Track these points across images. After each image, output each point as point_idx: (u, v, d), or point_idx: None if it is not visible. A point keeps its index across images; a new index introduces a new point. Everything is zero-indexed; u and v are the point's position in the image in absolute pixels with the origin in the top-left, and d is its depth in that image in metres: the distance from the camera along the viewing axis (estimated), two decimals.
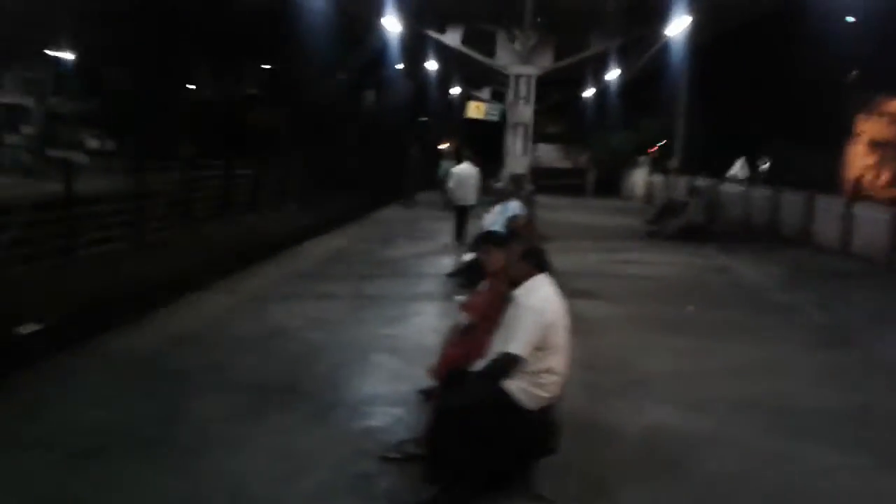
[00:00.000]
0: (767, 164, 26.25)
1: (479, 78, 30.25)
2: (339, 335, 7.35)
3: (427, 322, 7.95)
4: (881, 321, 8.84)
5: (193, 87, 22.59)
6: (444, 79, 31.39)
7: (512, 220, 8.69)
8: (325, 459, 4.51)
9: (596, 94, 30.84)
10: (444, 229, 16.12)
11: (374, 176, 20.89)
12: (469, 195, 13.81)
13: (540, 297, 4.12)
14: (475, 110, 29.94)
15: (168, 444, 4.65)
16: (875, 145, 30.05)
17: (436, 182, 21.25)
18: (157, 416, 5.09)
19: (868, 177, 29.35)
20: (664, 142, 25.30)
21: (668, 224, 17.06)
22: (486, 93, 32.37)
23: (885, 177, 28.79)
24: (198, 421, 5.05)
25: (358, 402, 5.51)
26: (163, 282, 8.58)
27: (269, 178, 13.23)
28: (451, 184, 14.21)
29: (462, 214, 13.75)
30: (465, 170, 14.08)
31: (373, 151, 21.17)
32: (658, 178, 26.82)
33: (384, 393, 5.70)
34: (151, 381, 5.89)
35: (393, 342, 7.13)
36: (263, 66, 17.81)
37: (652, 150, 28.30)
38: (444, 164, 19.88)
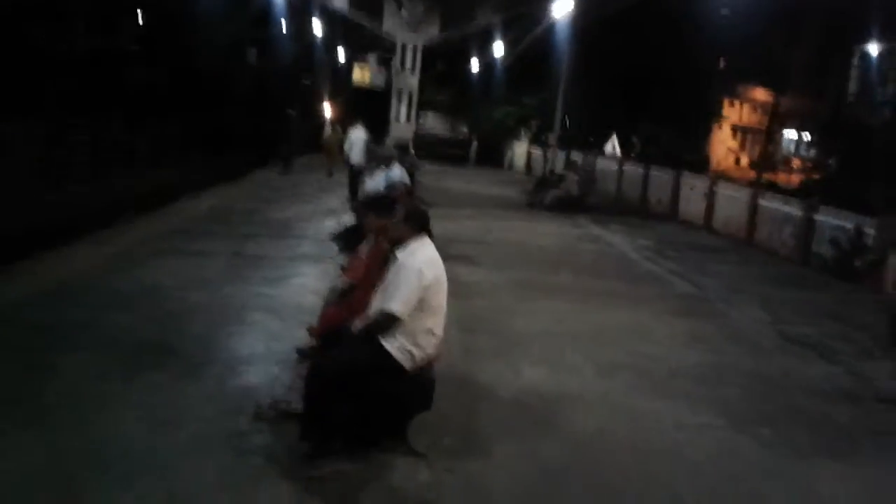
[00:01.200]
0: (637, 143, 27.40)
1: (366, 44, 29.89)
2: (217, 294, 7.14)
3: (306, 283, 7.86)
4: (737, 291, 9.47)
5: (62, 39, 21.01)
6: (331, 43, 30.79)
7: (390, 188, 8.66)
8: (198, 416, 4.40)
9: (482, 68, 31.14)
10: (328, 191, 15.95)
11: (258, 137, 20.13)
12: (357, 157, 14.59)
13: (421, 259, 4.14)
14: (361, 76, 29.60)
15: (32, 402, 4.40)
16: (738, 130, 31.84)
17: (319, 145, 20.78)
18: (19, 372, 4.81)
19: (731, 158, 31.19)
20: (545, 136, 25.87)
21: (546, 195, 17.54)
22: (372, 59, 32.04)
23: (745, 159, 30.65)
24: (64, 378, 4.81)
25: (234, 360, 5.39)
26: (26, 234, 8.06)
27: (145, 134, 12.57)
28: (345, 146, 15.32)
29: (353, 175, 14.33)
30: (356, 133, 15.24)
31: (256, 112, 20.33)
32: (538, 152, 27.48)
33: (261, 352, 5.59)
34: (15, 334, 5.56)
35: (271, 302, 7.00)
36: (140, 21, 16.77)
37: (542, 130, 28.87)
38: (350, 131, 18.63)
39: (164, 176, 12.90)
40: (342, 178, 17.32)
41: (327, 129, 21.13)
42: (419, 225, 4.31)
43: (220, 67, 17.44)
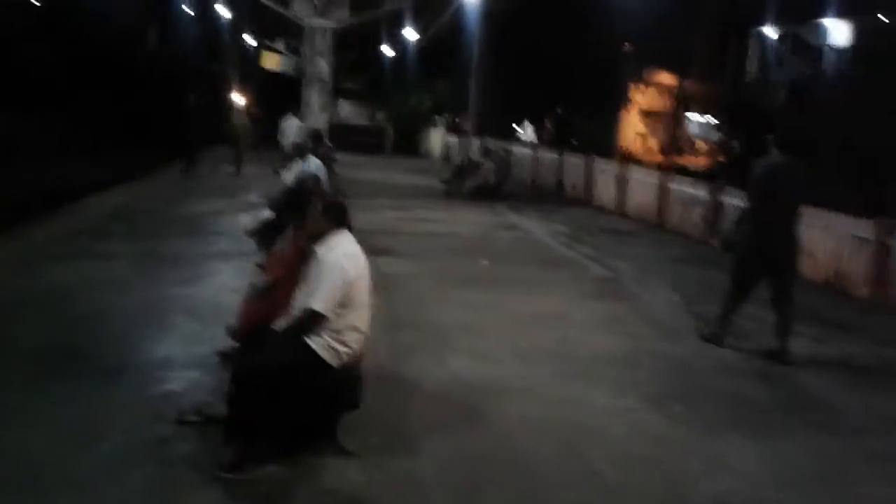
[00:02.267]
0: (549, 128, 27.83)
1: (275, 28, 29.26)
2: (129, 296, 6.91)
3: (224, 282, 7.70)
4: (650, 273, 9.78)
5: None
6: (237, 26, 30.00)
7: (300, 181, 8.49)
8: (116, 426, 4.26)
9: (395, 54, 30.97)
10: (240, 184, 15.61)
11: (161, 127, 19.16)
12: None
13: (341, 253, 4.11)
14: (270, 61, 28.95)
15: None
16: (645, 114, 32.77)
17: (225, 136, 19.52)
18: None
19: (640, 143, 32.02)
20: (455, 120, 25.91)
21: (463, 183, 17.64)
22: (281, 44, 31.40)
23: (654, 143, 31.58)
24: None
25: (152, 365, 5.24)
26: None
27: (39, 123, 11.78)
28: (278, 136, 17.06)
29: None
30: (289, 121, 17.22)
31: (159, 98, 19.32)
32: (454, 139, 27.58)
33: (180, 355, 5.46)
34: None
35: (188, 303, 6.83)
36: None
37: (458, 117, 28.91)
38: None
39: (62, 172, 12.20)
40: (256, 172, 16.98)
41: (237, 117, 19.60)
42: (337, 218, 4.26)
43: (116, 48, 16.58)
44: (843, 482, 4.39)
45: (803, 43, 25.54)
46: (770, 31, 26.08)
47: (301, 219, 4.54)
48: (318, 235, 4.19)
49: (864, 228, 9.37)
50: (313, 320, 3.97)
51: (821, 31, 23.85)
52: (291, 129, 16.79)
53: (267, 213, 9.27)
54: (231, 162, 18.28)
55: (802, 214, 6.62)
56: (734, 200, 12.15)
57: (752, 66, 28.33)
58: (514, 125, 25.43)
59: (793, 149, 6.52)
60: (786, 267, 6.53)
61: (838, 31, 23.05)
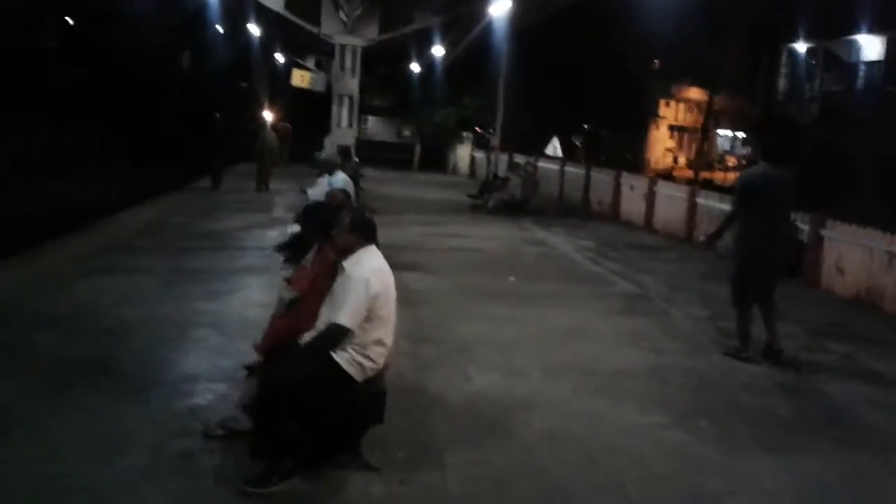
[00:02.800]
0: (580, 143, 27.79)
1: (305, 46, 29.64)
2: (156, 311, 7.00)
3: (251, 296, 7.77)
4: (677, 289, 9.70)
5: None
6: (268, 45, 30.43)
7: (330, 195, 8.58)
8: (142, 440, 4.30)
9: (422, 70, 31.18)
10: (267, 200, 15.78)
11: (192, 144, 19.42)
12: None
13: (368, 268, 4.13)
14: (300, 79, 29.30)
15: None
16: (674, 129, 32.55)
17: (252, 153, 19.24)
18: None
19: (668, 158, 31.87)
20: (490, 130, 25.99)
21: (489, 199, 17.67)
22: (311, 62, 31.78)
23: (682, 158, 31.37)
24: None
25: (178, 379, 5.30)
26: None
27: (70, 141, 11.99)
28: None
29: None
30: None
31: (189, 119, 19.61)
32: (481, 155, 27.65)
33: (206, 370, 5.51)
34: None
35: (215, 317, 6.90)
36: (66, 18, 15.94)
37: (479, 128, 29.05)
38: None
39: (91, 189, 12.37)
40: (283, 189, 17.13)
41: (264, 135, 19.18)
42: (365, 234, 4.28)
43: (151, 71, 16.94)
44: (869, 499, 4.31)
45: (835, 58, 25.28)
46: (801, 47, 25.83)
47: (328, 234, 4.58)
48: (346, 251, 4.22)
49: None
50: (339, 335, 3.99)
51: (853, 47, 23.60)
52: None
53: (294, 228, 9.38)
54: (257, 179, 18.35)
55: (790, 219, 6.91)
56: None
57: (783, 82, 28.07)
58: (526, 139, 25.36)
59: (776, 158, 6.88)
60: (775, 270, 6.83)
61: (870, 47, 22.78)
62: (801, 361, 6.82)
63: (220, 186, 17.56)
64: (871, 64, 22.85)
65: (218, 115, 17.93)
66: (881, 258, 9.39)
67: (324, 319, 4.11)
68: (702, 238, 7.83)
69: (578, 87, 27.27)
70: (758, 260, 6.64)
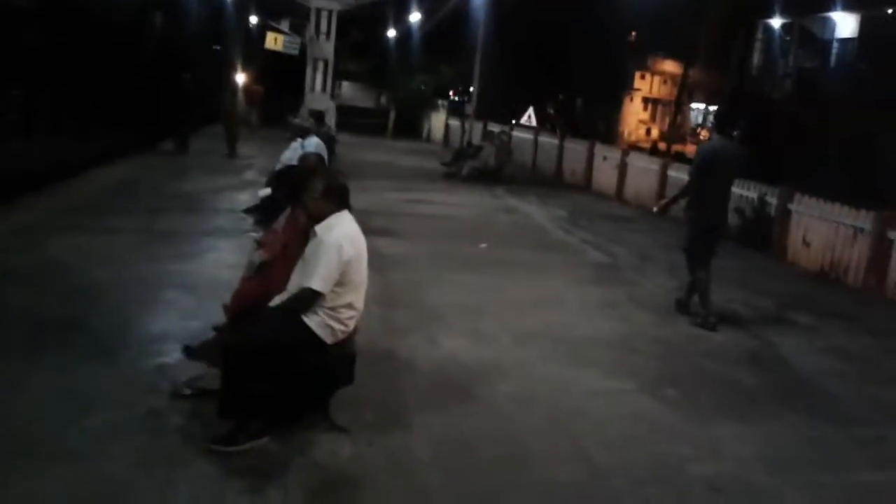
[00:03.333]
0: (553, 114, 27.76)
1: (280, 9, 29.12)
2: (126, 271, 6.92)
3: (222, 258, 7.72)
4: (648, 260, 9.80)
5: None
6: (241, 7, 29.84)
7: (303, 158, 8.50)
8: (111, 398, 4.28)
9: (399, 36, 30.86)
10: (240, 164, 15.61)
11: (167, 106, 18.88)
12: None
13: (341, 233, 4.10)
14: (274, 42, 28.80)
15: None
16: (648, 101, 32.62)
17: (221, 117, 18.70)
18: None
19: (641, 130, 31.98)
20: (465, 98, 25.82)
21: (463, 166, 17.64)
22: (285, 25, 31.26)
23: (655, 130, 31.50)
24: None
25: (147, 339, 5.26)
26: None
27: (41, 101, 11.72)
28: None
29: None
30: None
31: (162, 79, 19.15)
32: (455, 122, 27.53)
33: (176, 330, 5.47)
34: None
35: (185, 278, 6.85)
36: None
37: (454, 93, 28.87)
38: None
39: (63, 148, 12.11)
40: (254, 152, 16.92)
41: (230, 98, 18.69)
42: (338, 199, 4.26)
43: (124, 33, 16.50)
44: (833, 468, 4.42)
45: (809, 35, 25.39)
46: (776, 23, 25.90)
47: (300, 197, 4.54)
48: (319, 216, 4.18)
49: (862, 219, 9.38)
50: (311, 299, 3.99)
51: (827, 24, 23.71)
52: (331, 111, 17.67)
53: (265, 191, 9.30)
54: (226, 142, 17.62)
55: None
56: (733, 188, 12.15)
57: (757, 58, 28.17)
58: (502, 108, 25.25)
59: (726, 131, 7.30)
60: (721, 235, 7.20)
61: (844, 24, 22.91)
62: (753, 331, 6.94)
63: (188, 150, 16.98)
64: (844, 41, 22.99)
65: (188, 75, 17.36)
66: (846, 232, 9.56)
67: (295, 283, 4.09)
68: (655, 209, 8.18)
69: (555, 57, 27.17)
70: (707, 227, 7.00)
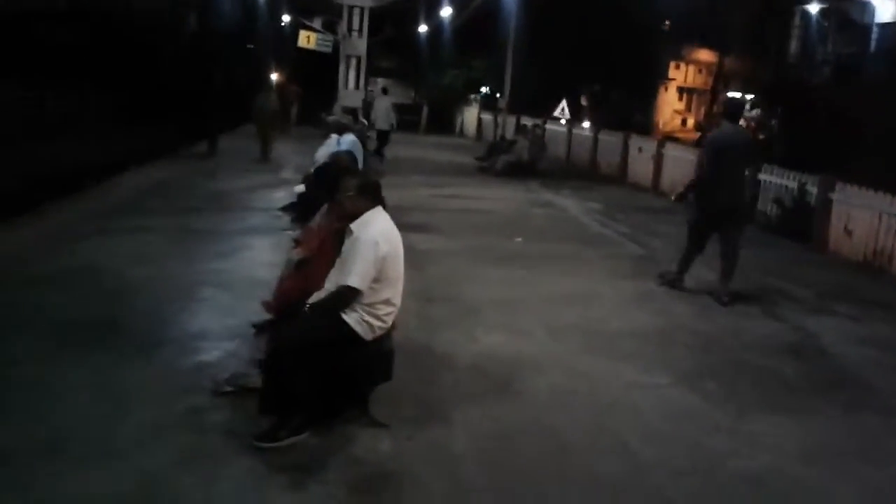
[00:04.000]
0: (587, 106, 27.52)
1: (312, 7, 29.30)
2: (164, 271, 7.02)
3: (259, 256, 7.79)
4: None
5: None
6: (275, 5, 30.11)
7: (336, 156, 8.55)
8: (152, 397, 4.36)
9: (430, 31, 30.85)
10: (276, 163, 15.72)
11: (198, 107, 18.71)
12: (382, 121, 18.47)
13: (376, 230, 4.14)
14: (306, 40, 28.99)
15: None
16: (684, 91, 32.18)
17: (253, 117, 17.55)
18: None
19: (677, 120, 31.59)
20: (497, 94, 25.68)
21: (497, 161, 17.58)
22: (318, 23, 31.43)
23: (691, 120, 31.07)
24: (1, 362, 4.67)
25: (187, 337, 5.34)
26: None
27: (72, 101, 11.83)
28: (371, 115, 19.16)
29: (381, 137, 18.31)
30: (381, 99, 19.31)
31: (196, 80, 19.14)
32: (488, 117, 27.45)
33: (215, 328, 5.55)
34: None
35: (223, 277, 6.93)
36: None
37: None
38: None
39: (97, 150, 12.21)
40: (286, 155, 16.88)
41: (264, 98, 17.31)
42: (372, 196, 4.30)
43: (157, 32, 16.62)
44: (874, 459, 4.33)
45: (848, 20, 24.84)
46: (813, 8, 25.39)
47: (335, 195, 4.58)
48: (354, 214, 4.23)
49: None
50: (349, 296, 4.02)
51: (866, 9, 23.17)
52: (381, 109, 18.59)
53: (301, 189, 9.38)
54: (261, 148, 16.54)
55: (750, 175, 7.56)
56: (772, 178, 11.97)
57: (794, 44, 27.63)
58: (535, 101, 25.06)
59: (736, 118, 7.77)
60: (735, 222, 7.38)
61: (884, 8, 22.36)
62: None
63: (216, 152, 16.41)
64: (884, 26, 22.45)
65: (217, 75, 16.69)
66: (889, 221, 9.35)
67: (333, 281, 4.13)
68: (672, 197, 8.67)
69: (588, 48, 26.93)
70: (714, 208, 7.30)
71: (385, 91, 20.26)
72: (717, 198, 7.23)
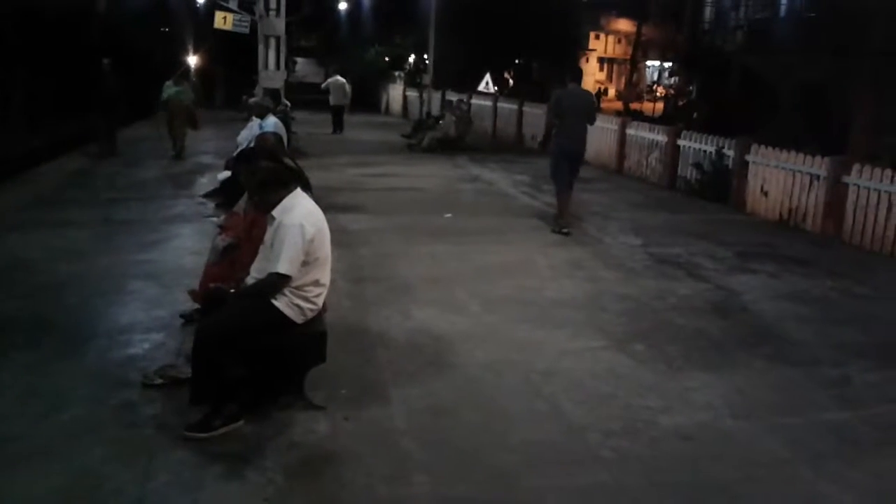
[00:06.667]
0: (510, 79, 27.62)
1: None
2: (89, 264, 6.82)
3: (184, 245, 7.63)
4: (610, 219, 9.89)
5: None
6: None
7: (260, 138, 8.37)
8: (82, 393, 4.24)
9: (350, 9, 30.43)
10: (195, 148, 15.33)
11: (112, 93, 17.32)
12: (339, 98, 20.78)
13: (300, 214, 4.04)
14: (222, 21, 28.22)
15: None
16: (604, 61, 32.61)
17: (157, 107, 15.46)
18: None
19: (600, 90, 31.97)
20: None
21: (424, 137, 17.55)
22: (234, 3, 30.62)
23: (612, 90, 31.55)
24: None
25: (115, 331, 5.21)
26: None
27: None
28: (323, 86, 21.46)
29: (337, 114, 20.73)
30: (336, 80, 21.26)
31: (112, 67, 17.94)
32: (414, 94, 27.32)
33: (143, 320, 5.42)
34: None
35: (149, 267, 6.76)
36: None
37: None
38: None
39: (9, 142, 11.67)
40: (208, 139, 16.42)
41: (178, 85, 14.84)
42: (282, 181, 4.05)
43: (66, 17, 15.81)
44: (801, 410, 4.53)
45: None
46: None
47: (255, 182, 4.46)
48: (272, 204, 4.10)
49: (818, 166, 9.55)
50: (279, 284, 3.95)
51: None
52: (337, 88, 20.55)
53: (225, 174, 9.20)
54: (169, 141, 14.40)
55: (587, 126, 9.23)
56: (691, 143, 12.30)
57: (709, 11, 28.30)
58: (460, 76, 25.07)
59: (579, 80, 9.43)
60: (579, 161, 9.24)
61: None
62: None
63: (116, 151, 14.22)
64: None
65: (106, 61, 14.31)
66: (803, 180, 9.74)
67: (260, 269, 4.06)
68: (536, 146, 10.54)
69: (509, 21, 26.99)
70: (566, 152, 8.99)
71: (340, 73, 22.40)
72: (565, 145, 8.97)
